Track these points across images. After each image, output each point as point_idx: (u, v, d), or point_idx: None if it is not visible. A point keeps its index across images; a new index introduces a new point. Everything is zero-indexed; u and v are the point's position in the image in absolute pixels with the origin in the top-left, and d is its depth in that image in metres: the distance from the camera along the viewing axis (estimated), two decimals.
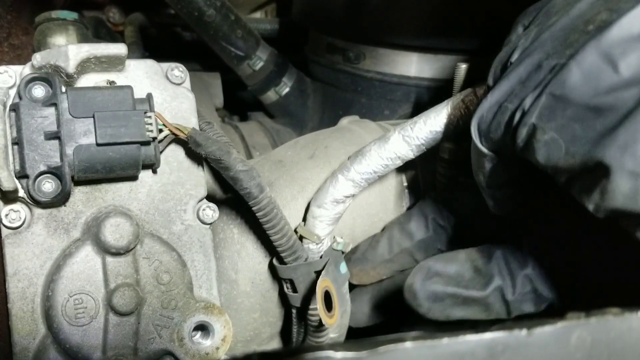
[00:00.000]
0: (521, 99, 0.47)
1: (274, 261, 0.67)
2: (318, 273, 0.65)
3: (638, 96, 0.40)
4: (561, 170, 0.45)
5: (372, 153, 0.65)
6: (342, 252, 0.70)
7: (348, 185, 0.66)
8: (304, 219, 0.69)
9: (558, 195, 0.54)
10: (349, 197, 0.67)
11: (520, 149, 0.48)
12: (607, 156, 0.40)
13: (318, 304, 0.60)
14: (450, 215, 0.68)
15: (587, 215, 0.44)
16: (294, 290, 0.67)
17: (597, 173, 0.41)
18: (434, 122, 0.62)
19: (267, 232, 0.62)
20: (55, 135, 0.54)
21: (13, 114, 0.55)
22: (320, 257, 0.67)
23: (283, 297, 0.71)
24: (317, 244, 0.67)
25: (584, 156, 0.42)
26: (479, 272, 0.58)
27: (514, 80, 0.49)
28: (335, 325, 0.64)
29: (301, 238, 0.67)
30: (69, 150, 0.54)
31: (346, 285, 0.71)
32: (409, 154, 0.64)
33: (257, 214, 0.61)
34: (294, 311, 0.70)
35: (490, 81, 0.53)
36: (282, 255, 0.64)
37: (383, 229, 0.73)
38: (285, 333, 0.75)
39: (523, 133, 0.47)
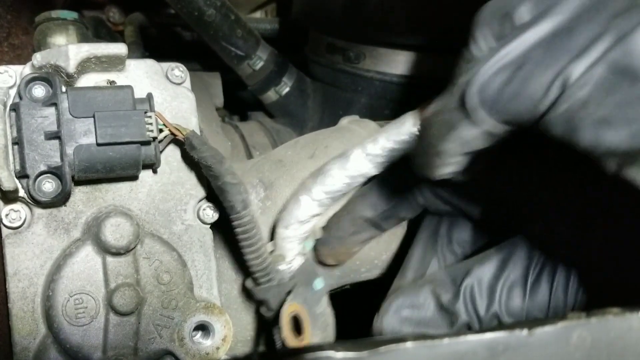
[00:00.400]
0: (553, 65, 0.40)
1: (248, 283, 0.65)
2: (289, 294, 0.64)
3: None
4: (615, 153, 0.39)
5: (333, 172, 0.63)
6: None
7: (313, 206, 0.64)
8: (271, 239, 0.67)
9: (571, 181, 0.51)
10: (315, 216, 0.65)
11: (547, 124, 0.41)
12: None
13: (284, 330, 0.59)
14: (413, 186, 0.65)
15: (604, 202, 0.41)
16: (270, 309, 0.66)
17: None
18: (395, 137, 0.60)
19: (242, 249, 0.61)
20: (55, 135, 0.54)
21: (13, 113, 0.55)
22: (291, 278, 0.66)
23: None
24: (286, 264, 0.65)
25: None
26: (445, 310, 0.59)
27: (533, 41, 0.40)
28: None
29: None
30: (69, 150, 0.54)
31: (323, 301, 0.69)
32: (372, 171, 0.63)
33: (235, 229, 0.60)
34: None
35: (478, 36, 0.44)
36: (255, 276, 0.63)
37: (345, 205, 0.70)
38: None
39: (562, 108, 0.40)
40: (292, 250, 0.66)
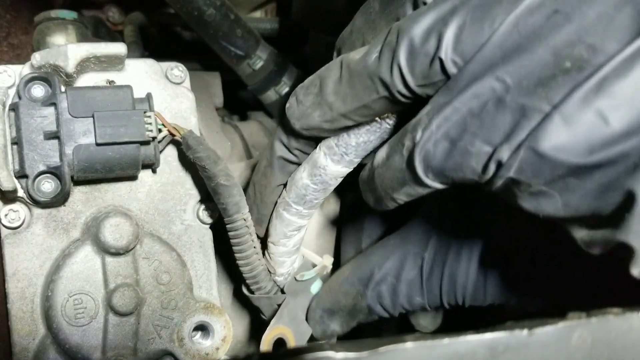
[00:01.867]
0: (487, 144, 0.41)
1: (243, 289, 0.65)
2: (279, 306, 0.63)
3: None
4: (556, 217, 0.41)
5: (304, 182, 0.58)
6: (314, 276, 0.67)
7: (294, 219, 0.61)
8: (264, 253, 0.65)
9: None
10: (301, 227, 0.62)
11: (492, 190, 0.43)
12: (631, 239, 0.37)
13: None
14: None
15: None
16: (263, 315, 0.65)
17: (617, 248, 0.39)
18: (358, 131, 0.54)
19: (235, 254, 0.60)
20: (54, 135, 0.54)
21: (12, 113, 0.55)
22: (282, 291, 0.64)
23: None
24: (278, 276, 0.64)
25: (589, 209, 0.39)
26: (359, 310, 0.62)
27: (463, 110, 0.41)
28: None
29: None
30: (69, 150, 0.54)
31: None
32: (344, 170, 0.57)
33: (228, 233, 0.59)
34: None
35: (417, 76, 0.44)
36: (247, 283, 0.62)
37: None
38: None
39: (499, 183, 0.42)
40: (283, 265, 0.64)
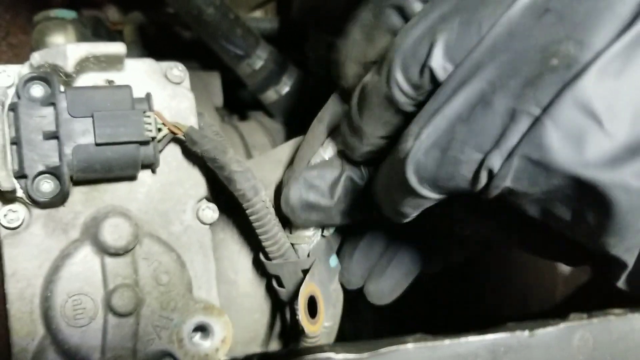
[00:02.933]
0: (477, 151, 0.40)
1: (261, 256, 0.66)
2: (305, 272, 0.64)
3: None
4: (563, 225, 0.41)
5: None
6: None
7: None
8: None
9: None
10: None
11: (491, 197, 0.42)
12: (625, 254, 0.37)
13: (300, 313, 0.59)
14: None
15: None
16: (281, 285, 0.66)
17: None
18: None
19: (260, 236, 0.62)
20: (53, 135, 0.54)
21: (11, 113, 0.54)
22: (308, 255, 0.65)
23: None
24: (308, 244, 0.65)
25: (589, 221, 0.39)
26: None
27: (452, 116, 0.41)
28: (319, 331, 0.62)
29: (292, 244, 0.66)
30: (68, 150, 0.54)
31: (336, 279, 0.70)
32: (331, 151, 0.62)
33: (250, 217, 0.60)
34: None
35: (413, 87, 0.44)
36: (268, 250, 0.64)
37: None
38: (285, 334, 0.75)
39: (495, 192, 0.41)
40: (307, 235, 0.65)
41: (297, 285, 0.65)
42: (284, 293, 0.67)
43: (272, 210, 0.61)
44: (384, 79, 0.45)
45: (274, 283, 0.67)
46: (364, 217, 0.61)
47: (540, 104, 0.37)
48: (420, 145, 0.42)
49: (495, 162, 0.39)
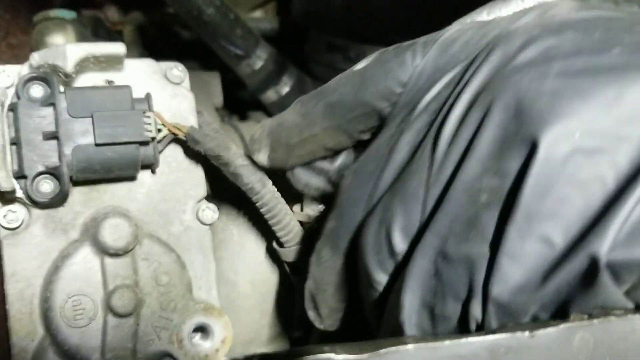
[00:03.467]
0: (457, 300, 0.41)
1: (274, 244, 0.66)
2: None
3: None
4: None
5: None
6: None
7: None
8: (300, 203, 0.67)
9: None
10: None
11: None
12: None
13: None
14: None
15: None
16: (294, 272, 0.67)
17: None
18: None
19: (272, 227, 0.62)
20: (53, 135, 0.54)
21: (11, 114, 0.54)
22: None
23: (283, 298, 0.71)
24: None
25: None
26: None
27: (424, 270, 0.42)
28: None
29: (302, 223, 0.66)
30: (68, 151, 0.54)
31: None
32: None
33: (260, 210, 0.61)
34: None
35: (382, 267, 0.47)
36: (279, 235, 0.64)
37: None
38: (284, 334, 0.75)
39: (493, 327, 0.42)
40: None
41: None
42: (297, 280, 0.67)
43: (281, 199, 0.61)
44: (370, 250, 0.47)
45: (287, 269, 0.67)
46: None
47: (489, 240, 0.38)
48: (410, 311, 0.44)
49: (477, 311, 0.40)
